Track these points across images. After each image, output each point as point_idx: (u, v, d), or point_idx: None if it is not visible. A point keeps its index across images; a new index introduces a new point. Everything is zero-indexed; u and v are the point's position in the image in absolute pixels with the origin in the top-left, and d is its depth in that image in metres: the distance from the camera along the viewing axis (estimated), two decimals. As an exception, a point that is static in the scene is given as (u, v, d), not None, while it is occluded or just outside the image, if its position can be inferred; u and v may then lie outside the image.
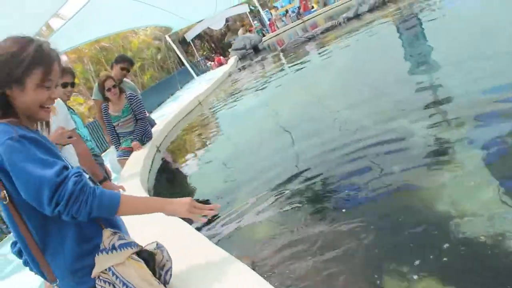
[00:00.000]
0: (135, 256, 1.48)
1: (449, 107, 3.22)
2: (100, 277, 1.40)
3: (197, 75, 25.24)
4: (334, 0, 27.66)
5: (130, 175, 3.91)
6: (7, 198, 1.34)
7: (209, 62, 29.57)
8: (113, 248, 1.43)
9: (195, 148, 5.57)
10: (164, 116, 9.60)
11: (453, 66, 4.05)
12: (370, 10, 12.59)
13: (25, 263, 1.55)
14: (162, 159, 5.49)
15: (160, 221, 2.00)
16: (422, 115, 3.23)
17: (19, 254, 1.56)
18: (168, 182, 4.62)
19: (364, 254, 1.99)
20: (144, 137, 5.33)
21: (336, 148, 3.35)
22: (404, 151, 2.84)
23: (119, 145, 5.29)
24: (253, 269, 1.61)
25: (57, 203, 1.29)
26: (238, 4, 30.42)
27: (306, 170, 3.24)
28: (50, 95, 1.48)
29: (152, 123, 6.62)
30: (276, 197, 2.96)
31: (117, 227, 1.55)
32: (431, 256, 1.78)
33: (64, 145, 2.76)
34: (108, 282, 1.39)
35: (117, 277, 1.39)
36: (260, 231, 2.62)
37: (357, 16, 12.65)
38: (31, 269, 1.52)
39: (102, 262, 1.40)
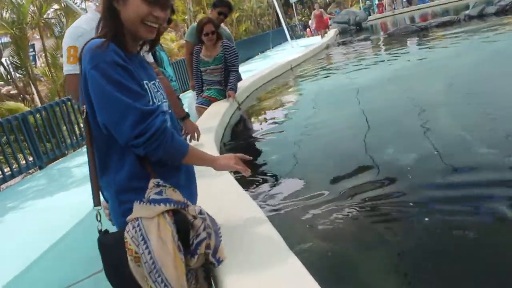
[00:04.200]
0: (168, 216, 1.36)
1: None
2: (131, 222, 1.35)
3: (291, 38, 24.77)
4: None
5: (206, 128, 3.67)
6: (85, 113, 1.39)
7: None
8: (148, 200, 1.36)
9: (277, 113, 5.24)
10: (249, 72, 9.35)
11: None
12: (497, 13, 11.36)
13: None
14: (241, 117, 5.22)
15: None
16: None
17: None
18: (242, 142, 4.35)
19: None
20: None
21: (425, 164, 2.89)
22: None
23: (201, 92, 5.09)
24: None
25: (140, 134, 1.32)
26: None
27: (387, 175, 2.82)
28: (152, 11, 1.43)
29: (239, 78, 6.35)
30: (346, 188, 2.71)
31: (168, 176, 1.48)
32: None
33: None
34: (135, 229, 1.33)
35: (140, 228, 1.33)
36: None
37: (481, 16, 11.47)
38: None
39: (136, 210, 1.36)
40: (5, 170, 7.23)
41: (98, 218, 1.41)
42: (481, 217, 2.19)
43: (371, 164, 3.03)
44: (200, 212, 1.46)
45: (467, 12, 11.95)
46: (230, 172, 2.72)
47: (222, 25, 5.76)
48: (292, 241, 1.61)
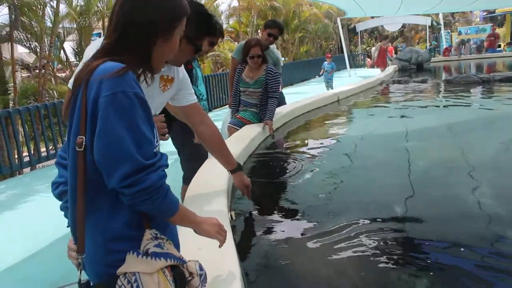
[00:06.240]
0: (167, 272, 1.27)
1: None
2: (126, 275, 1.22)
3: (351, 67, 24.56)
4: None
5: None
6: (83, 147, 1.21)
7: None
8: (146, 253, 1.25)
9: (311, 148, 4.98)
10: (302, 94, 9.17)
11: None
12: None
13: (63, 209, 1.48)
14: (271, 145, 5.06)
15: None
16: None
17: (60, 197, 1.50)
18: (265, 172, 4.15)
19: None
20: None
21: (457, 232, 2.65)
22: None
23: (237, 112, 5.03)
24: None
25: (130, 185, 1.17)
26: (422, 14, 28.74)
27: (414, 235, 2.63)
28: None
29: (282, 102, 6.24)
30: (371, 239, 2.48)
31: (164, 227, 1.38)
32: None
33: None
34: (131, 284, 1.21)
35: (138, 285, 1.21)
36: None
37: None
38: (65, 216, 1.43)
39: (132, 262, 1.23)
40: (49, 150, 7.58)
41: (80, 268, 1.25)
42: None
43: (402, 222, 2.82)
44: (200, 268, 1.42)
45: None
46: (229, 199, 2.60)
47: (274, 47, 5.70)
48: None
